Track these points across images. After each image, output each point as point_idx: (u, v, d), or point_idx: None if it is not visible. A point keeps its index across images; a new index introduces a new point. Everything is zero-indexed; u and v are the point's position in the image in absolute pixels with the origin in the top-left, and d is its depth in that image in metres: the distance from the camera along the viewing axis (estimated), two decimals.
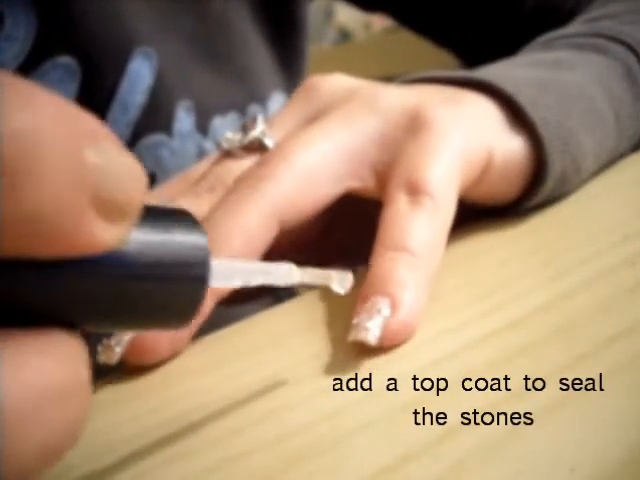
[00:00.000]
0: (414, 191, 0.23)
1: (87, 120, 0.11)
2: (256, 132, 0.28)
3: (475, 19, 0.49)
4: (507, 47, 0.40)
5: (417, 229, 0.22)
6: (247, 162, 0.28)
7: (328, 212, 0.26)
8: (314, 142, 0.25)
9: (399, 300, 0.20)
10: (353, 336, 0.20)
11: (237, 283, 0.17)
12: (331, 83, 0.29)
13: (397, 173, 0.24)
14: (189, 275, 0.13)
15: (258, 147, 0.28)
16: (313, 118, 0.28)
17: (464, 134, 0.25)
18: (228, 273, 0.16)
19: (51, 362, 0.11)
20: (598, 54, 0.33)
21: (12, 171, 0.10)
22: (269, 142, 0.28)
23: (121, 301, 0.12)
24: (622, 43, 0.34)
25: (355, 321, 0.20)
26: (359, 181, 0.26)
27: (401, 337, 0.20)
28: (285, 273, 0.18)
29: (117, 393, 0.21)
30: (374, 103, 0.27)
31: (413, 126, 0.26)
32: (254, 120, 0.29)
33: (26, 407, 0.10)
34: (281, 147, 0.25)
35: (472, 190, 0.26)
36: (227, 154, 0.28)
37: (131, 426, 0.18)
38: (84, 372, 0.11)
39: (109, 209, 0.11)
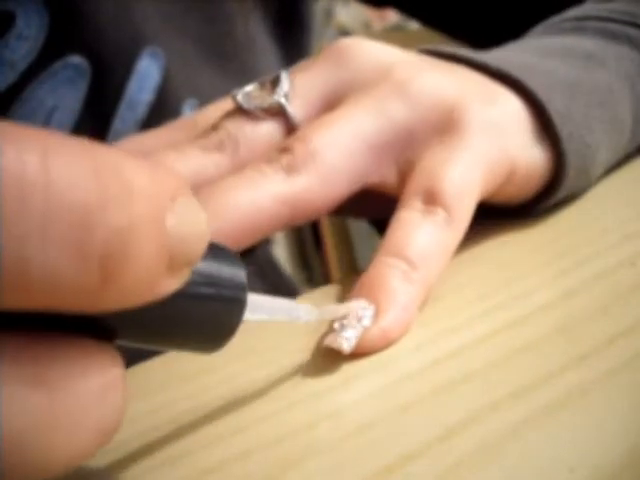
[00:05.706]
0: (430, 201, 0.23)
1: (168, 181, 0.11)
2: (279, 96, 0.26)
3: (485, 6, 0.48)
4: (519, 34, 0.39)
5: (422, 239, 0.22)
6: (264, 126, 0.26)
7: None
8: (339, 139, 0.24)
9: (383, 309, 0.20)
10: (329, 342, 0.19)
11: (263, 317, 0.17)
12: (364, 53, 0.27)
13: (417, 177, 0.24)
14: (229, 300, 0.15)
15: (278, 111, 0.26)
16: (340, 93, 0.26)
17: (492, 144, 0.25)
18: (255, 306, 0.16)
19: (98, 368, 0.12)
20: (631, 48, 0.32)
21: (106, 260, 0.10)
22: (292, 111, 0.26)
23: (167, 323, 0.13)
24: None
25: (336, 325, 0.20)
26: (379, 177, 0.25)
27: (376, 347, 0.20)
28: (305, 312, 0.18)
29: None
30: (407, 90, 0.25)
31: (443, 125, 0.25)
32: (276, 80, 0.27)
33: (84, 404, 0.12)
34: (306, 139, 0.24)
35: (489, 197, 0.26)
36: (242, 111, 0.27)
37: (130, 427, 0.18)
38: (121, 371, 0.13)
39: (178, 263, 0.11)
